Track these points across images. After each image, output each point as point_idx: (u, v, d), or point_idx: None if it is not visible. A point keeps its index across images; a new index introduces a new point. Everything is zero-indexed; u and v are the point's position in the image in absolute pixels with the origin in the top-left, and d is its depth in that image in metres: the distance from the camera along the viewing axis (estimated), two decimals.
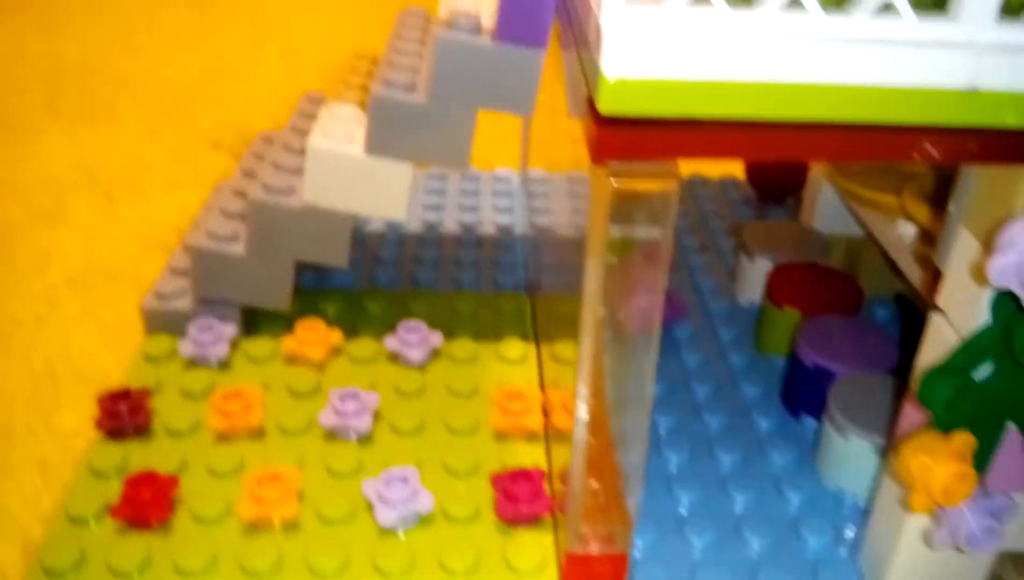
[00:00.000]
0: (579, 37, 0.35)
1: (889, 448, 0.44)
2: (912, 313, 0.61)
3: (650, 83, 0.28)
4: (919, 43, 0.28)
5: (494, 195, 0.77)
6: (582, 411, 0.37)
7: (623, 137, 0.29)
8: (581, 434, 0.37)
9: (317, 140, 0.49)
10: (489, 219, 0.74)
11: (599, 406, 0.38)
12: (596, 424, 0.39)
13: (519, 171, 0.80)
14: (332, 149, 0.49)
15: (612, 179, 0.30)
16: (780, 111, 0.28)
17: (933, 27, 0.28)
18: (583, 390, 0.36)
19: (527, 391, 0.50)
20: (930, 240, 0.47)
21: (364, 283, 0.62)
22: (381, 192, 0.50)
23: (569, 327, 0.48)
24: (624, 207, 0.31)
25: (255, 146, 0.64)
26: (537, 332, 0.57)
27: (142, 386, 0.49)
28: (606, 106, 0.28)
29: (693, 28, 0.27)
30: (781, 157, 0.29)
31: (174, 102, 0.88)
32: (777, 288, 0.57)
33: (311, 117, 0.60)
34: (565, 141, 0.49)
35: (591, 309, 0.33)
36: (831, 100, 0.28)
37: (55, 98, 0.88)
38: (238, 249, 0.52)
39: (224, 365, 0.52)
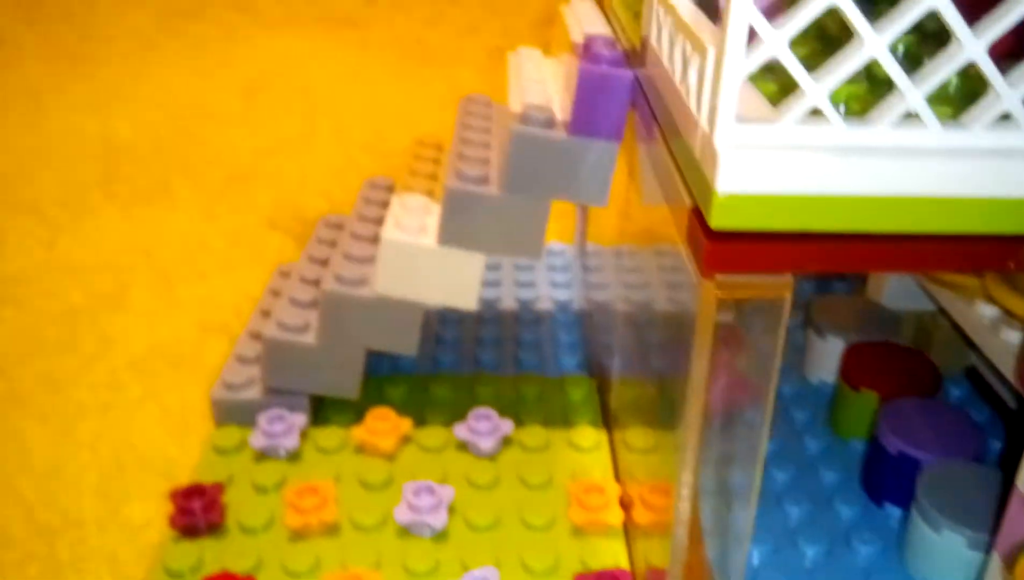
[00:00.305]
0: (671, 133, 0.35)
1: (988, 544, 0.43)
2: (987, 389, 0.60)
3: (762, 198, 0.27)
4: None
5: (549, 270, 0.77)
6: (683, 511, 0.36)
7: (734, 251, 0.28)
8: (682, 536, 0.36)
9: (391, 232, 0.49)
10: (546, 295, 0.73)
11: (694, 503, 0.37)
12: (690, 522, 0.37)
13: (574, 245, 0.79)
14: (406, 241, 0.48)
15: (720, 291, 0.29)
16: (894, 224, 0.28)
17: None
18: (686, 491, 0.35)
19: (604, 483, 0.49)
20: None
21: (427, 365, 0.61)
22: (453, 282, 0.50)
23: (646, 414, 0.47)
24: (732, 310, 0.30)
25: (319, 231, 0.64)
26: (608, 418, 0.56)
27: (214, 480, 0.49)
28: (717, 222, 0.27)
29: (805, 143, 0.27)
30: (892, 269, 0.29)
31: (228, 181, 0.88)
32: (853, 370, 0.55)
33: (376, 204, 0.60)
34: (634, 222, 0.49)
35: (696, 417, 0.32)
36: (945, 212, 0.28)
37: (110, 179, 0.89)
38: (309, 339, 0.51)
39: (294, 456, 0.52)
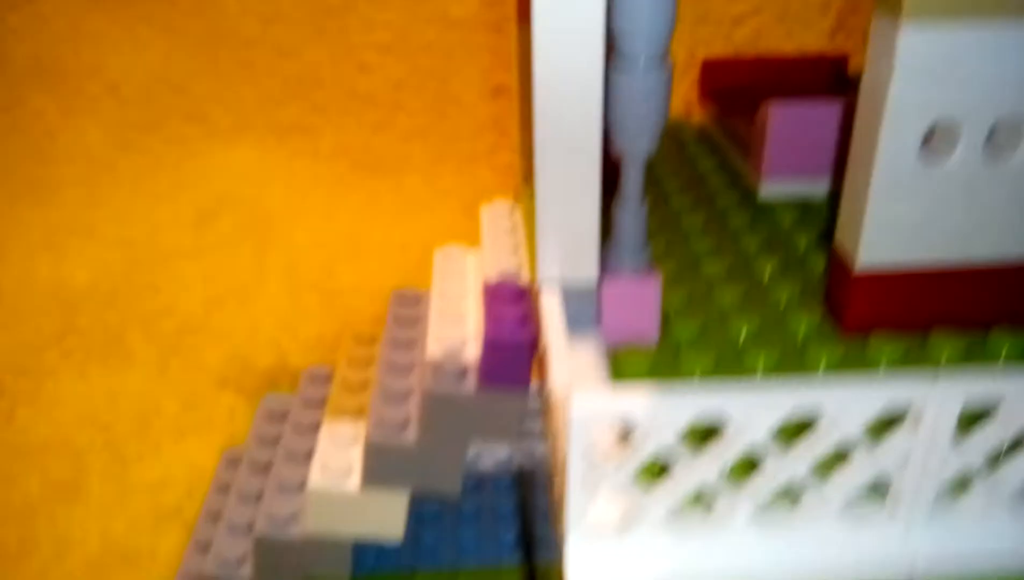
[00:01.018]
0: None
1: None
2: None
3: None
4: (857, 543, 0.31)
5: None
6: None
7: None
8: None
9: (315, 478, 0.52)
10: (487, 450, 0.76)
11: None
12: None
13: None
14: (331, 490, 0.51)
15: None
16: None
17: (871, 524, 0.31)
18: None
19: None
20: None
21: (369, 553, 0.64)
22: (379, 519, 0.53)
23: None
24: None
25: (259, 426, 0.67)
26: None
27: None
28: None
29: (648, 555, 0.30)
30: None
31: (180, 333, 0.91)
32: None
33: (313, 405, 0.63)
34: None
35: None
36: None
37: (66, 333, 0.91)
38: (246, 572, 0.54)
39: None
